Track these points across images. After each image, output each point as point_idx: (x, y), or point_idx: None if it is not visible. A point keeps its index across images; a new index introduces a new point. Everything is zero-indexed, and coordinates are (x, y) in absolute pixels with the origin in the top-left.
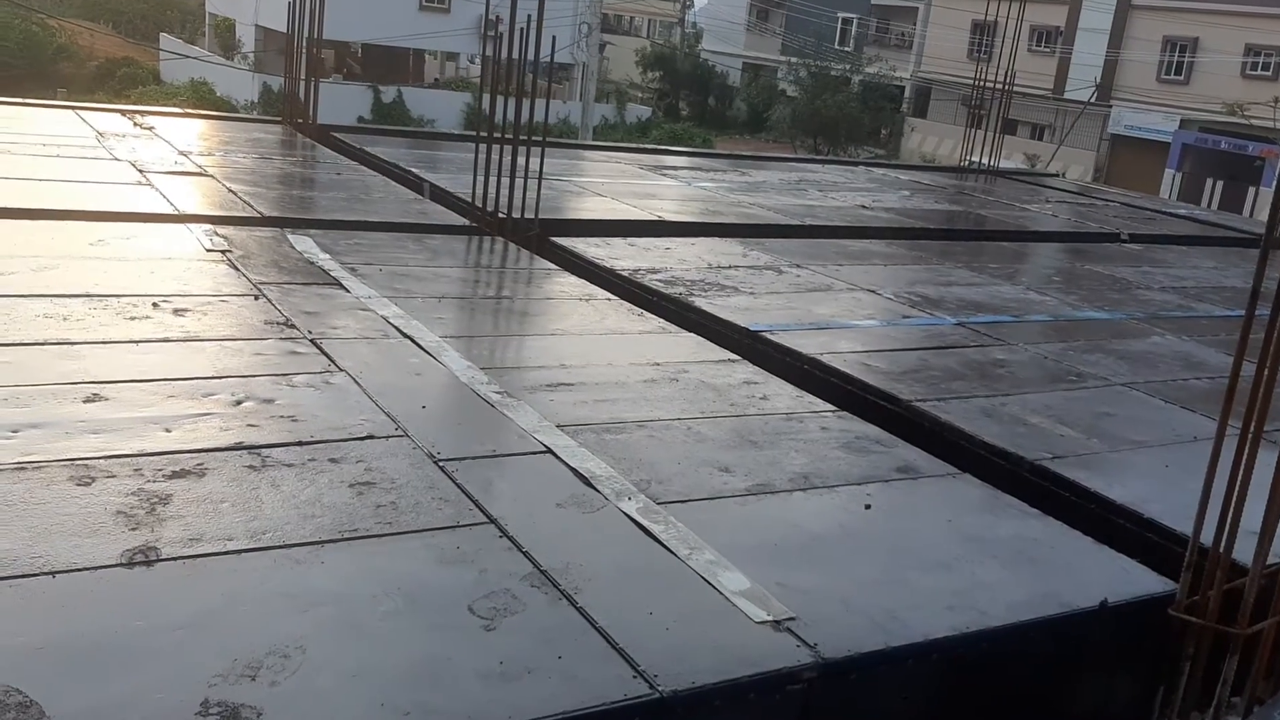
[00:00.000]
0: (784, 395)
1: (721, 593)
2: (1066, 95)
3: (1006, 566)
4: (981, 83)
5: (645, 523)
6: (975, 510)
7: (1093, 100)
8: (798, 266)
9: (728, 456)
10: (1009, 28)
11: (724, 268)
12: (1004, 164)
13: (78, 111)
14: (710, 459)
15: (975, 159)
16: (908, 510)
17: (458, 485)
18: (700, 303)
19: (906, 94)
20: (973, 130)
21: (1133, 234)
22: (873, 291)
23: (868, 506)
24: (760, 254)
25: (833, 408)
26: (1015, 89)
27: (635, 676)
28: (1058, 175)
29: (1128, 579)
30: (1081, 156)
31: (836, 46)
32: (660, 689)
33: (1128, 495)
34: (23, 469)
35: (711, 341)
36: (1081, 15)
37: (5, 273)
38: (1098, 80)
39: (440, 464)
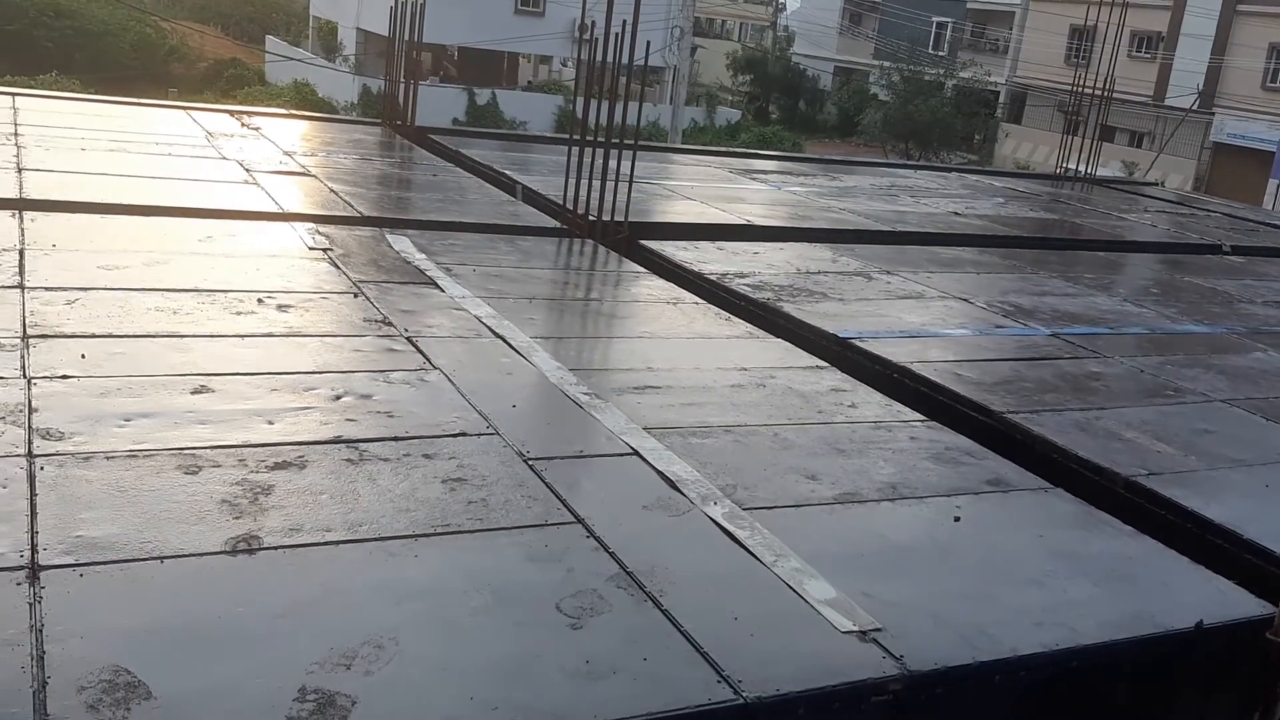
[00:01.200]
0: (873, 404)
1: (807, 601)
2: (1167, 102)
3: (1099, 584)
4: (1079, 88)
5: (731, 528)
6: (1067, 526)
7: (1194, 107)
8: (888, 273)
9: (815, 464)
10: (1109, 33)
11: (813, 273)
12: (1101, 172)
13: (188, 112)
14: (797, 466)
15: (1071, 166)
16: (998, 524)
17: (546, 484)
18: (788, 308)
19: (1001, 99)
20: (1069, 137)
21: (1235, 246)
22: (965, 300)
23: (957, 519)
24: (850, 260)
25: (922, 417)
26: (1114, 95)
27: (720, 681)
28: (1157, 184)
29: (1224, 601)
30: (1182, 165)
31: (930, 51)
32: (745, 695)
33: (1226, 515)
34: (134, 457)
35: (799, 347)
36: (1184, 20)
37: (120, 267)
38: (1200, 87)
39: (529, 463)
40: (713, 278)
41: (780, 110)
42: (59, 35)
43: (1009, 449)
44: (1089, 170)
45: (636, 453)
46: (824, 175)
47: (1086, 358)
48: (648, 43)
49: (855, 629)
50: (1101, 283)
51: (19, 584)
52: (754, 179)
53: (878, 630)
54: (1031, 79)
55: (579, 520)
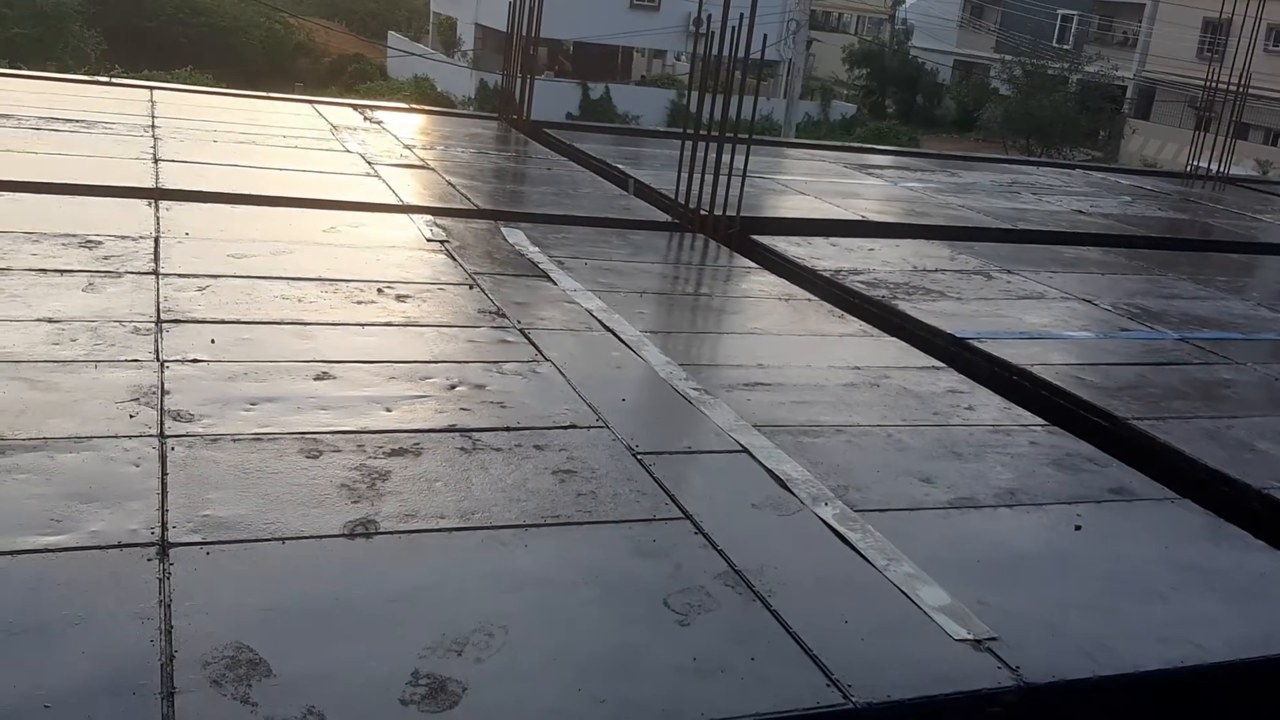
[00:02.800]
0: (991, 406)
1: (920, 607)
2: None
3: (1227, 600)
4: (1212, 84)
5: (842, 530)
6: (1195, 538)
7: None
8: (1008, 272)
9: (929, 467)
10: (1245, 26)
11: (930, 271)
12: (1234, 170)
13: (315, 105)
14: (911, 468)
15: (1203, 164)
16: (1121, 534)
17: (655, 479)
18: (904, 306)
19: (1128, 94)
20: (1201, 134)
21: None
22: (1088, 301)
23: (1078, 528)
24: (969, 258)
25: (1043, 422)
26: (1250, 91)
27: (829, 685)
28: None
29: None
30: None
31: (1054, 44)
32: (854, 700)
33: None
34: (259, 440)
35: (915, 347)
36: None
37: (248, 255)
38: None
39: (638, 457)
40: (826, 274)
41: (896, 105)
42: (194, 31)
43: (1133, 457)
44: (1221, 169)
45: (746, 450)
46: (942, 171)
47: (1217, 364)
48: (764, 36)
49: (970, 637)
50: (1234, 286)
51: (149, 560)
52: (869, 174)
53: (993, 640)
54: (1161, 74)
55: (687, 516)
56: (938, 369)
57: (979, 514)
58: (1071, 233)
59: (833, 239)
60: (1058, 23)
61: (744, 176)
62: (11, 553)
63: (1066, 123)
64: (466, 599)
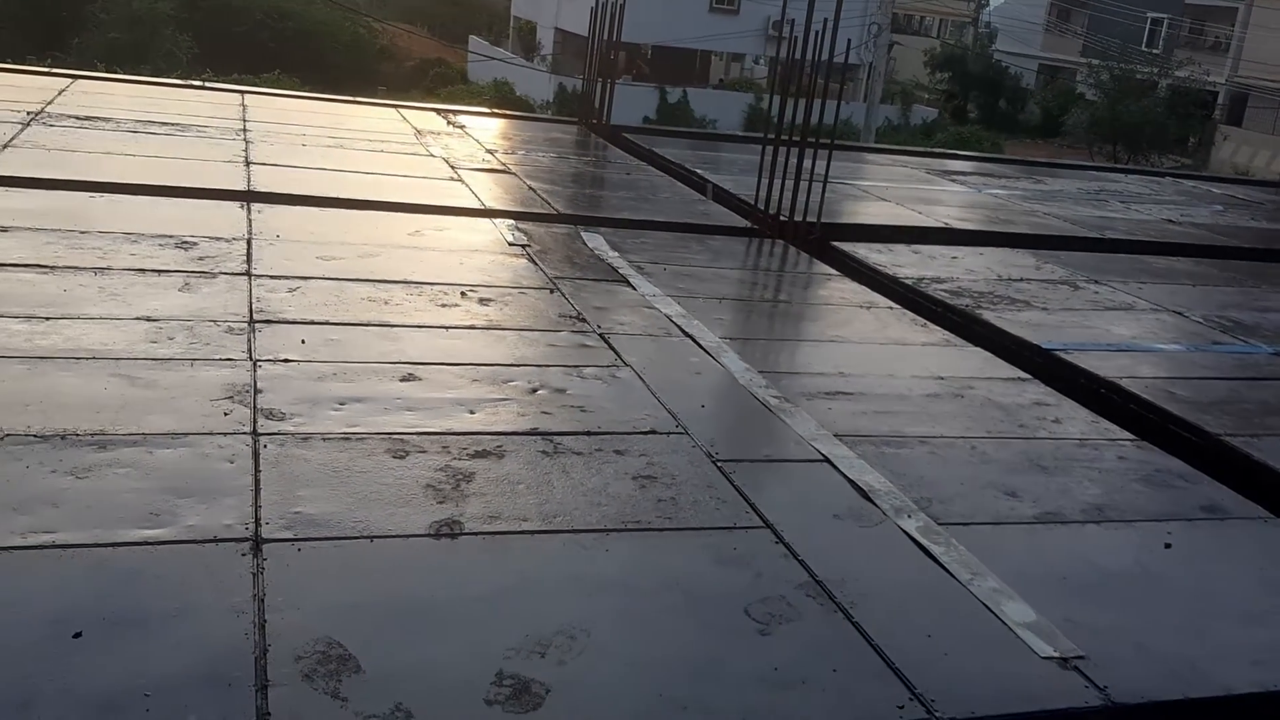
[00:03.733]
0: (1078, 419)
1: (1005, 622)
2: None
3: None
4: None
5: (925, 542)
6: None
7: None
8: (1095, 282)
9: (1015, 480)
10: None
11: (1015, 280)
12: None
13: (399, 110)
14: (995, 481)
15: None
16: (1213, 553)
17: (735, 487)
18: (989, 316)
19: (1220, 100)
20: None
21: None
22: (1179, 313)
23: (1168, 546)
24: (1055, 267)
25: (1131, 437)
26: None
27: (912, 699)
28: None
29: None
30: None
31: (1143, 48)
32: (938, 715)
33: None
34: (348, 439)
35: (1000, 358)
36: None
37: (336, 257)
38: None
39: (718, 464)
40: (908, 282)
41: (979, 109)
42: (280, 36)
43: (1226, 474)
44: None
45: (827, 460)
46: (1026, 178)
47: None
48: (848, 41)
49: (1056, 655)
50: None
51: (244, 555)
52: (951, 180)
53: (1080, 658)
54: (1255, 79)
55: (768, 525)
56: (1023, 380)
57: (1065, 529)
58: (1161, 242)
59: (915, 246)
60: (1147, 26)
61: (825, 182)
62: (112, 545)
63: (1155, 129)
64: (549, 601)
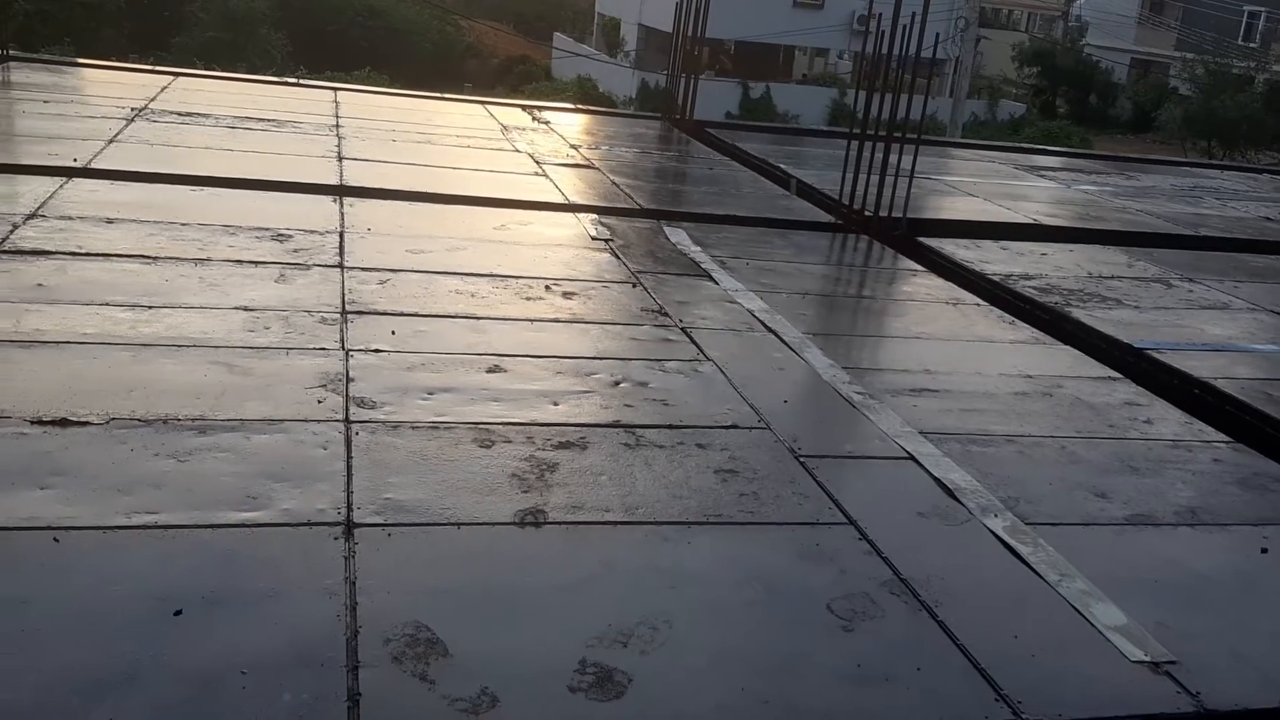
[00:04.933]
0: (1171, 420)
1: (1094, 625)
2: None
3: None
4: None
5: (1012, 542)
6: None
7: None
8: (1189, 280)
9: (1105, 481)
10: None
11: (1105, 278)
12: None
13: (486, 106)
14: (1085, 482)
15: None
16: None
17: (818, 482)
18: (1078, 314)
19: None
20: None
21: None
22: (1276, 313)
23: (1264, 550)
24: (1147, 264)
25: (1227, 438)
26: None
27: (998, 700)
28: None
29: None
30: None
31: (1240, 42)
32: (1025, 716)
33: None
34: (436, 428)
35: (1090, 356)
36: None
37: (425, 251)
38: None
39: (801, 459)
40: (995, 278)
41: (1068, 104)
42: (371, 34)
43: None
44: None
45: (912, 457)
46: (1118, 174)
47: None
48: (936, 35)
49: (1147, 659)
50: None
51: (336, 539)
52: (1040, 176)
53: (1172, 663)
54: None
55: (851, 521)
56: (1114, 380)
57: (1157, 532)
58: (1259, 240)
59: (1003, 242)
60: (1244, 19)
61: (910, 177)
62: (211, 526)
63: (1252, 125)
64: (631, 592)
